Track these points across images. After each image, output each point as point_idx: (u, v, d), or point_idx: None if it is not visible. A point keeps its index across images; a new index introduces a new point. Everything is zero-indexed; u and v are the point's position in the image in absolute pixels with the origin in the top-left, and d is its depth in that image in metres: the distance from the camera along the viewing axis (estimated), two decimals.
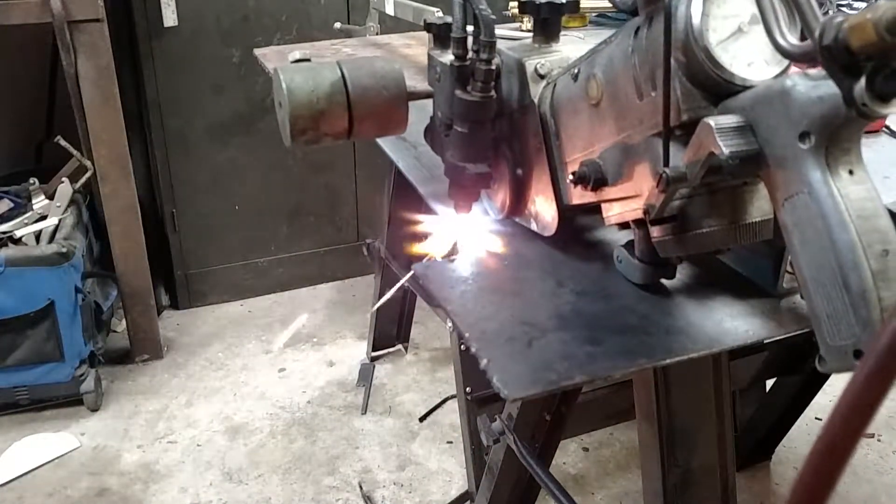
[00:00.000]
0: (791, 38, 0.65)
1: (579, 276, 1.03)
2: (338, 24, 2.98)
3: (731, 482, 1.43)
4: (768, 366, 2.20)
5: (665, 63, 0.73)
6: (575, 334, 0.90)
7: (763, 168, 0.69)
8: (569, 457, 2.62)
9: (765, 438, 2.53)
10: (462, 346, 1.91)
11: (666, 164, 0.76)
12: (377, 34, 2.79)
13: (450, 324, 1.54)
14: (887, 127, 1.69)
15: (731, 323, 0.92)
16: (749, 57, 0.73)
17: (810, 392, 2.37)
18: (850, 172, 0.66)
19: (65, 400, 2.80)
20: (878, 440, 2.63)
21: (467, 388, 2.01)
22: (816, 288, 0.66)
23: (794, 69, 0.70)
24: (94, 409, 2.83)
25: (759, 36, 0.69)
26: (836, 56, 0.60)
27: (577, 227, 1.15)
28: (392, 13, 2.55)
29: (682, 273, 1.01)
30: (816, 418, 2.65)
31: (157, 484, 2.51)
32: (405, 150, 1.55)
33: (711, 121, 0.69)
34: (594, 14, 2.51)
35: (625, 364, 0.87)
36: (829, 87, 0.63)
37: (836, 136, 0.65)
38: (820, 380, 2.32)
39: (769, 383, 2.47)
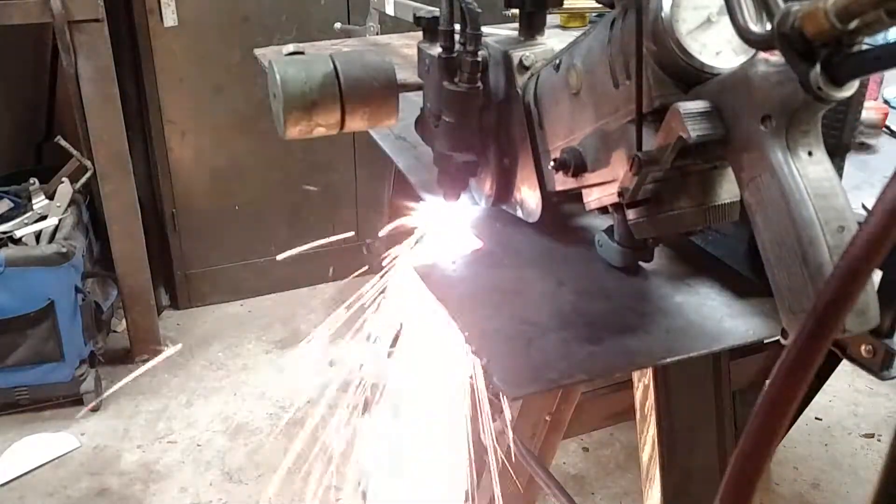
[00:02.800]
0: (754, 27, 0.70)
1: (579, 275, 1.04)
2: (338, 25, 3.03)
3: None
4: (768, 366, 2.21)
5: (637, 52, 0.78)
6: (575, 333, 0.91)
7: (729, 151, 0.74)
8: (569, 457, 2.66)
9: None
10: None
11: (639, 148, 0.81)
12: (377, 34, 2.83)
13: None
14: (887, 127, 1.72)
15: (731, 322, 0.93)
16: (718, 46, 0.78)
17: (810, 392, 2.40)
18: (810, 154, 0.70)
19: (65, 400, 2.85)
20: (878, 440, 2.66)
21: None
22: (778, 263, 0.71)
23: (762, 55, 0.74)
24: (94, 409, 2.87)
25: (727, 26, 0.73)
26: (792, 43, 0.64)
27: (576, 226, 1.17)
28: (392, 13, 2.60)
29: (684, 273, 1.03)
30: (817, 418, 2.69)
31: (157, 484, 2.55)
32: (405, 149, 1.56)
33: (680, 106, 0.74)
34: (594, 14, 2.55)
35: (625, 363, 0.88)
36: (788, 73, 0.67)
37: (796, 119, 0.69)
38: (820, 380, 2.35)
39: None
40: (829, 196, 0.69)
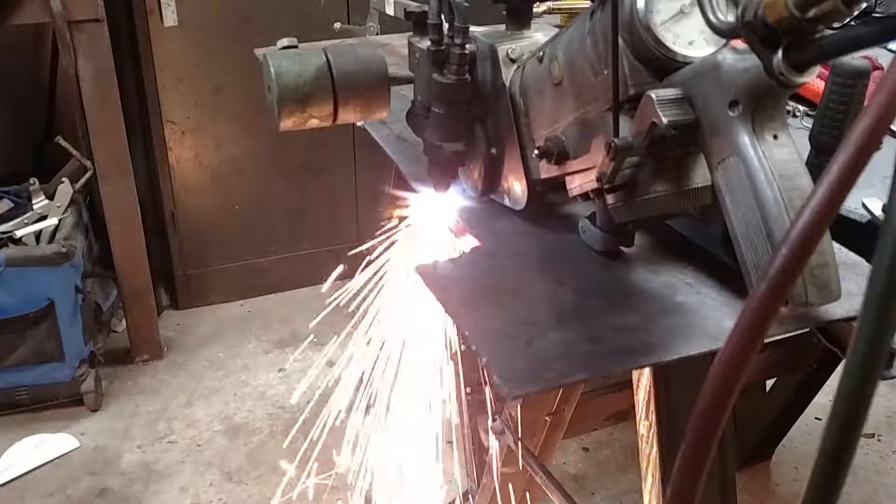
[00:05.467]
0: (722, 16, 0.74)
1: (579, 275, 1.05)
2: (338, 25, 3.07)
3: (731, 482, 1.48)
4: (768, 366, 2.24)
5: (613, 42, 0.83)
6: (575, 333, 0.92)
7: (700, 135, 0.79)
8: (569, 457, 2.68)
9: (765, 438, 2.59)
10: (462, 346, 1.96)
11: (616, 134, 0.86)
12: (377, 34, 2.87)
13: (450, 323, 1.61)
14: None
15: (731, 322, 0.89)
16: (690, 36, 0.82)
17: (810, 392, 2.43)
18: (775, 137, 0.75)
19: (65, 400, 2.88)
20: (878, 440, 2.69)
21: (467, 388, 2.07)
22: (745, 241, 0.76)
23: (730, 44, 0.79)
24: (94, 409, 2.91)
25: (699, 17, 0.78)
26: (756, 31, 0.69)
27: (575, 225, 1.18)
28: (392, 13, 2.63)
29: (685, 273, 1.04)
30: (816, 418, 2.71)
31: (157, 484, 2.59)
32: (406, 149, 1.57)
33: (653, 94, 0.79)
34: None
35: (625, 362, 0.89)
36: (754, 60, 0.72)
37: (761, 104, 0.74)
38: (819, 380, 2.38)
39: (769, 383, 2.52)
40: (793, 177, 0.74)
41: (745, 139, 0.74)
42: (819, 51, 0.68)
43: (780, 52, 0.69)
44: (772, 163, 0.74)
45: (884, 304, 0.39)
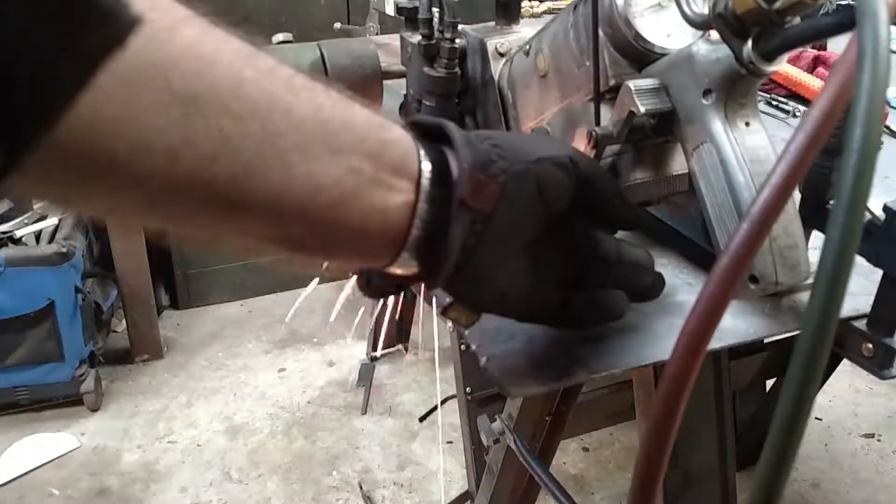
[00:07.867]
0: (697, 9, 0.79)
1: None
2: (338, 25, 3.11)
3: (731, 482, 1.51)
4: (768, 366, 2.26)
5: (593, 35, 0.88)
6: (576, 332, 0.91)
7: (676, 124, 0.83)
8: (569, 457, 2.72)
9: (765, 438, 2.60)
10: (462, 346, 1.99)
11: (597, 124, 0.90)
12: (377, 34, 2.91)
13: (450, 323, 1.65)
14: (887, 127, 1.78)
15: (731, 321, 0.93)
16: (668, 28, 0.87)
17: None
18: (747, 124, 0.80)
19: (65, 400, 2.92)
20: (878, 440, 2.71)
21: (467, 388, 2.10)
22: (718, 225, 0.80)
23: (705, 35, 0.83)
24: (94, 409, 2.95)
25: (676, 10, 0.82)
26: (726, 22, 0.74)
27: None
28: (392, 13, 2.68)
29: (685, 273, 1.05)
30: (816, 418, 2.75)
31: (157, 484, 2.63)
32: None
33: (631, 84, 0.83)
34: None
35: (626, 362, 0.89)
36: (725, 50, 0.76)
37: (733, 92, 0.79)
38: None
39: (769, 383, 2.55)
40: (763, 162, 0.79)
41: (717, 126, 0.79)
42: (783, 40, 0.72)
43: (749, 43, 0.73)
44: (743, 148, 0.78)
45: (834, 275, 0.43)
